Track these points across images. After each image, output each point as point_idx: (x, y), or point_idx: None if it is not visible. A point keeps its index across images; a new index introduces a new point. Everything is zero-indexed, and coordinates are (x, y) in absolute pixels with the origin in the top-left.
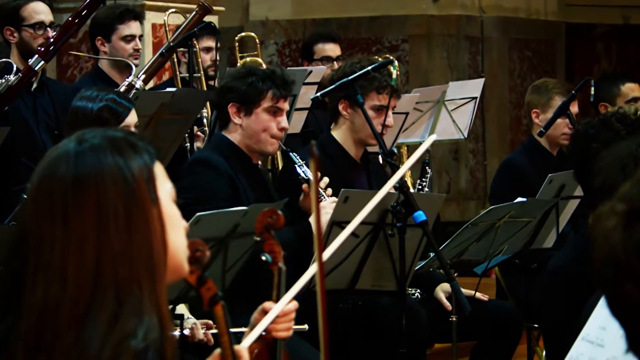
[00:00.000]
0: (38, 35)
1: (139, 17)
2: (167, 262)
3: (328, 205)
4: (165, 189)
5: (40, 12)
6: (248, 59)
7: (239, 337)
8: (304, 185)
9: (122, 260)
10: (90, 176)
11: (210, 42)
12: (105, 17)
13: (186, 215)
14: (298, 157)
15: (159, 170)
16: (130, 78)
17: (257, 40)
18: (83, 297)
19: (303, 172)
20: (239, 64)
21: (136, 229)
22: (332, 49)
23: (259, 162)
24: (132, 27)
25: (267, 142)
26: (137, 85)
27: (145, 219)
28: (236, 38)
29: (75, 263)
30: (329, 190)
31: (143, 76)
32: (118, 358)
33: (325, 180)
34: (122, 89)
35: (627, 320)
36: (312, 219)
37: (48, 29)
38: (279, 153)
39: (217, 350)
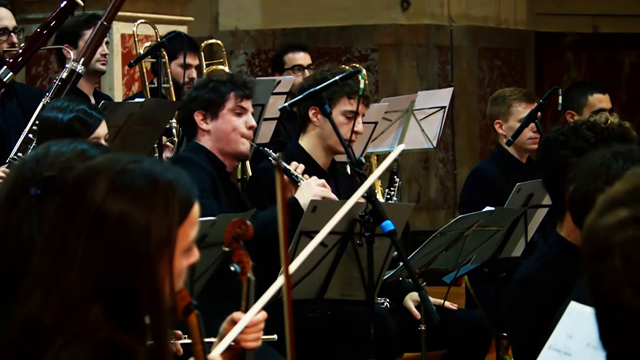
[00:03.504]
0: (2, 40)
1: None
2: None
3: (312, 182)
4: (186, 240)
5: (3, 17)
6: (214, 67)
7: (207, 348)
8: (286, 178)
9: (126, 300)
10: (111, 221)
11: (192, 60)
12: (71, 25)
13: None
14: (271, 151)
15: (193, 214)
16: (70, 63)
17: (223, 49)
18: (78, 321)
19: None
20: (204, 73)
21: (139, 284)
22: (303, 58)
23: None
24: None
25: (238, 141)
26: (79, 70)
27: (150, 279)
28: (202, 45)
29: (80, 285)
30: (301, 168)
31: (82, 59)
32: None
33: (302, 167)
34: (64, 75)
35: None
36: (298, 196)
37: (12, 34)
38: (247, 163)
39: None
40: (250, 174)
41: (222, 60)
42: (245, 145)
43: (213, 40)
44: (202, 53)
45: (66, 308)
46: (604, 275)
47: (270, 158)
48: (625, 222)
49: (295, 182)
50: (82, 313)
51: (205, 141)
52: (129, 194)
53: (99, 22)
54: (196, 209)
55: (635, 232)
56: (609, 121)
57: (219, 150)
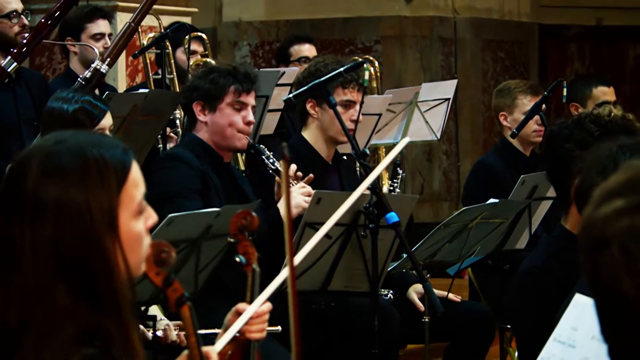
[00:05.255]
0: (14, 24)
1: (108, 16)
2: (132, 283)
3: (295, 191)
4: (133, 202)
5: (12, 1)
6: (199, 60)
7: (212, 339)
8: (277, 178)
9: (87, 281)
10: (49, 205)
11: (197, 47)
12: (74, 17)
13: (160, 210)
14: (266, 149)
15: (132, 177)
16: (95, 63)
17: (206, 40)
18: (45, 312)
19: (271, 163)
20: (191, 64)
21: (93, 262)
22: (309, 50)
23: (231, 162)
24: (101, 26)
25: (234, 137)
26: (103, 69)
27: (102, 255)
28: (186, 38)
29: (36, 275)
30: (299, 174)
31: (108, 59)
32: None
33: (294, 167)
34: (88, 74)
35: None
36: (280, 205)
37: (22, 16)
38: (240, 157)
39: (186, 352)
40: (242, 166)
41: (207, 52)
42: (241, 141)
43: (194, 33)
44: (206, 42)
45: (28, 301)
46: (602, 267)
47: (263, 157)
48: (621, 212)
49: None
50: (47, 303)
51: (203, 133)
52: (62, 176)
53: (127, 23)
54: (134, 169)
55: (632, 221)
56: (613, 114)
57: (215, 143)
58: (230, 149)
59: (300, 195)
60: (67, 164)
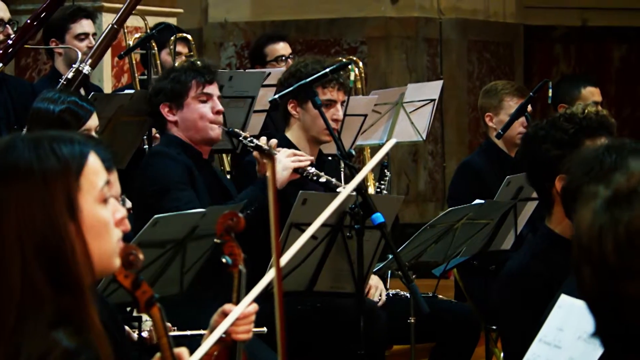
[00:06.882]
0: None
1: (91, 16)
2: (93, 269)
3: (280, 155)
4: (94, 188)
5: None
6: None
7: (198, 340)
8: (255, 153)
9: (54, 269)
10: (10, 200)
11: (182, 48)
12: (57, 18)
13: (159, 206)
14: (240, 131)
15: (90, 164)
16: (77, 64)
17: (191, 41)
18: (16, 312)
19: (249, 141)
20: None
21: (54, 252)
22: (284, 48)
23: (215, 162)
24: (85, 26)
25: (206, 128)
26: (85, 70)
27: (62, 244)
28: (171, 39)
29: (3, 275)
30: (273, 142)
31: (90, 60)
32: (47, 356)
33: (274, 141)
34: (70, 75)
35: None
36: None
37: (7, 25)
38: (225, 157)
39: (159, 354)
40: (228, 167)
41: (192, 53)
42: (214, 131)
43: (180, 34)
44: (192, 43)
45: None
46: None
47: (240, 138)
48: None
49: (269, 157)
50: (17, 296)
51: (176, 132)
52: (18, 170)
53: (109, 25)
54: (93, 158)
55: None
56: (586, 111)
57: (190, 139)
58: (205, 141)
59: (285, 158)
60: (22, 158)
